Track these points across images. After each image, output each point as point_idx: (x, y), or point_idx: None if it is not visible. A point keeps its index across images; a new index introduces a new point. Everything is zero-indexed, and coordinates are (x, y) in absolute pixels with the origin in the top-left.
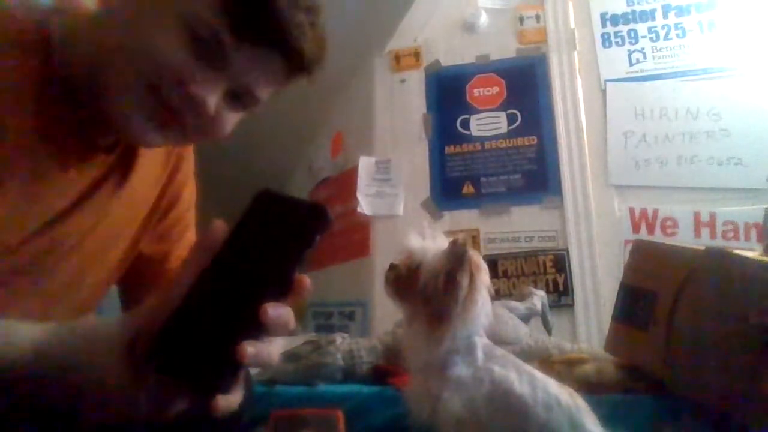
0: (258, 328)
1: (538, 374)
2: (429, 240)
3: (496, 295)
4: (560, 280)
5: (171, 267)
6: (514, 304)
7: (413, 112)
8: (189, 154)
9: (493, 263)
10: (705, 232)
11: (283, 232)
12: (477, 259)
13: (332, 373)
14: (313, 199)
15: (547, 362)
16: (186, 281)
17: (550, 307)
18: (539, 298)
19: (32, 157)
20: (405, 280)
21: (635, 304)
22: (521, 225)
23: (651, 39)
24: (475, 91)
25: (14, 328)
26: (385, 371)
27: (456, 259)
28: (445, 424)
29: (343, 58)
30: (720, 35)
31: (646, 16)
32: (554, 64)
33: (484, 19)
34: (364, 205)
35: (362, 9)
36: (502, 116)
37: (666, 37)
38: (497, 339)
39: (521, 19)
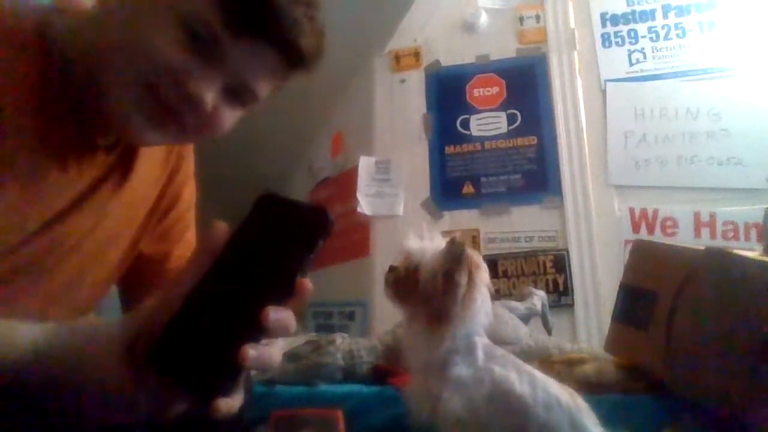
0: (259, 331)
1: (539, 374)
2: (427, 241)
3: (496, 295)
4: (560, 280)
5: (171, 267)
6: (514, 304)
7: (413, 112)
8: (189, 153)
9: (493, 263)
10: (705, 232)
11: (285, 236)
12: (475, 257)
13: (332, 373)
14: (315, 203)
15: (547, 362)
16: (187, 283)
17: (550, 307)
18: (539, 298)
19: (32, 157)
20: (404, 282)
21: (635, 304)
22: (521, 225)
23: (651, 39)
24: (475, 91)
25: (14, 328)
26: (385, 371)
27: (454, 258)
28: (445, 424)
29: (343, 58)
30: (720, 35)
31: (646, 16)
32: (554, 64)
33: (484, 19)
34: (364, 205)
35: (362, 9)
36: (502, 116)
37: (666, 37)
38: (497, 339)
39: (521, 19)
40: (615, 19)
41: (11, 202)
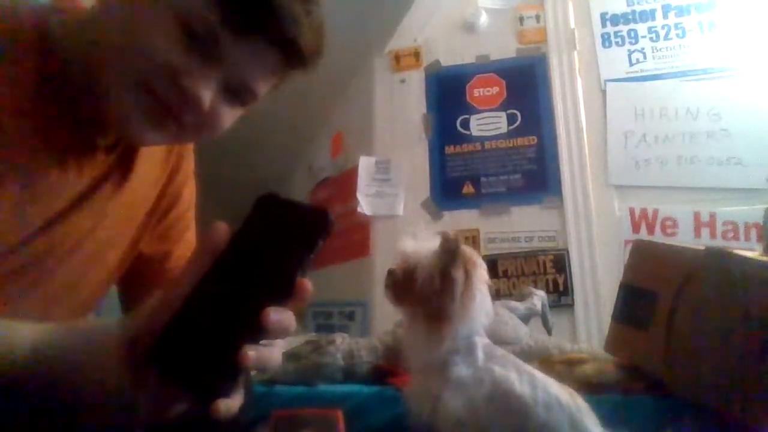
0: (259, 332)
1: (539, 374)
2: (423, 242)
3: (496, 295)
4: (560, 280)
5: (171, 267)
6: (514, 304)
7: (413, 112)
8: (189, 153)
9: (493, 263)
10: (705, 232)
11: (285, 236)
12: (471, 254)
13: (332, 373)
14: (315, 204)
15: (547, 362)
16: (187, 283)
17: (550, 307)
18: (539, 298)
19: (31, 157)
20: (402, 284)
21: (635, 304)
22: (521, 225)
23: (651, 39)
24: (475, 91)
25: (14, 329)
26: (385, 371)
27: (448, 256)
28: (445, 424)
29: (343, 58)
30: (720, 35)
31: (646, 16)
32: (554, 64)
33: (484, 19)
34: (364, 205)
35: (362, 9)
36: (502, 116)
37: (666, 37)
38: (497, 339)
39: (521, 19)
40: (615, 19)
41: (11, 202)
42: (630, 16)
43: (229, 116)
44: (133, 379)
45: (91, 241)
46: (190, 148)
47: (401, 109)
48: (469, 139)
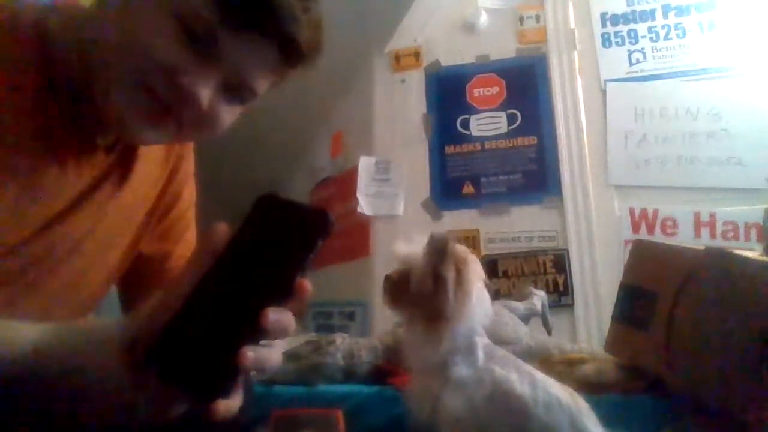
0: (259, 332)
1: (539, 374)
2: (417, 245)
3: (496, 295)
4: (560, 280)
5: (171, 267)
6: (514, 304)
7: (413, 112)
8: (189, 153)
9: (493, 263)
10: (705, 232)
11: (285, 237)
12: (462, 252)
13: (332, 373)
14: (315, 204)
15: (547, 362)
16: (187, 284)
17: (550, 307)
18: (539, 298)
19: (31, 158)
20: (398, 288)
21: (635, 304)
22: (521, 225)
23: (651, 39)
24: (475, 91)
25: (14, 329)
26: (385, 371)
27: (437, 255)
28: (446, 425)
29: (343, 57)
30: (720, 35)
31: (646, 16)
32: (554, 64)
33: (484, 19)
34: (364, 205)
35: (362, 9)
36: (502, 116)
37: (666, 37)
38: (497, 339)
39: (521, 19)
40: (615, 19)
41: (10, 202)
42: (630, 16)
43: (229, 115)
44: (133, 379)
45: (91, 241)
46: (190, 148)
47: (401, 109)
48: (469, 139)
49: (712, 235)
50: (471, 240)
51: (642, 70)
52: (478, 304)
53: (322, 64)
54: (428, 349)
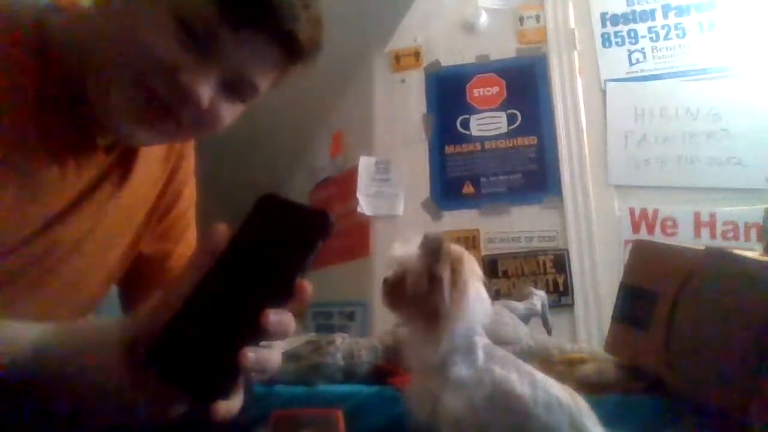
0: (259, 333)
1: (539, 374)
2: (413, 246)
3: (496, 295)
4: (560, 280)
5: (171, 267)
6: (514, 304)
7: (413, 112)
8: (189, 153)
9: (493, 263)
10: (705, 232)
11: (285, 238)
12: (457, 251)
13: (332, 373)
14: (316, 205)
15: (547, 362)
16: (187, 284)
17: (550, 307)
18: (539, 298)
19: (30, 158)
20: (396, 290)
21: (635, 304)
22: (521, 225)
23: (651, 39)
24: (475, 91)
25: (14, 329)
26: (385, 371)
27: (431, 255)
28: (445, 425)
29: (343, 57)
30: (720, 35)
31: (646, 16)
32: (554, 64)
33: (484, 19)
34: (364, 205)
35: (362, 9)
36: (502, 116)
37: (666, 37)
38: (497, 339)
39: (521, 19)
40: (615, 19)
41: (10, 202)
42: (630, 16)
43: (230, 113)
44: (133, 379)
45: (91, 241)
46: (190, 147)
47: (401, 109)
48: (469, 139)
49: (712, 235)
50: (471, 240)
51: (642, 70)
52: (476, 303)
53: (322, 64)
54: (427, 349)
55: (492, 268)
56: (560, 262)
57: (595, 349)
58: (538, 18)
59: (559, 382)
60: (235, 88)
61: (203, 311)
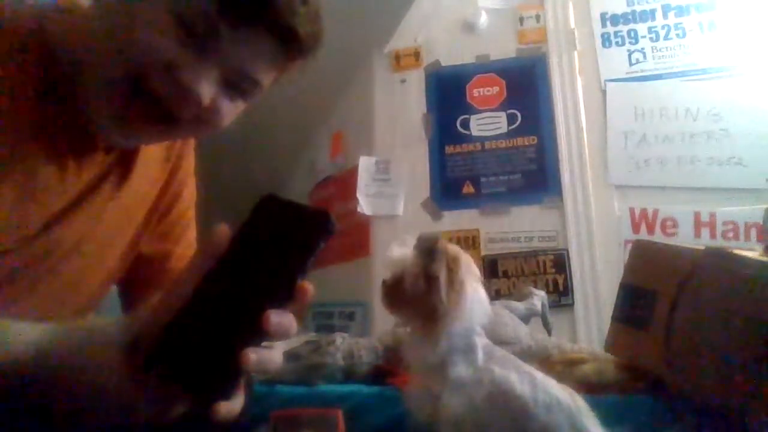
0: (260, 334)
1: (539, 375)
2: (410, 247)
3: (496, 295)
4: (560, 280)
5: (171, 266)
6: (514, 304)
7: (413, 112)
8: (189, 152)
9: (493, 263)
10: (705, 232)
11: (286, 238)
12: (453, 251)
13: (332, 373)
14: (317, 205)
15: (547, 362)
16: (188, 285)
17: (550, 307)
18: (539, 298)
19: (30, 158)
20: (395, 291)
21: (635, 304)
22: (521, 225)
23: (651, 39)
24: (475, 91)
25: (14, 329)
26: (385, 371)
27: (427, 253)
28: (445, 425)
29: (343, 57)
30: (720, 35)
31: (646, 16)
32: (554, 64)
33: (484, 19)
34: (364, 205)
35: (362, 9)
36: (502, 116)
37: (666, 37)
38: (497, 339)
39: (521, 19)
40: (615, 19)
41: (9, 203)
42: (630, 16)
43: (231, 111)
44: (133, 380)
45: (91, 242)
46: (190, 147)
47: (401, 109)
48: (469, 139)
49: (712, 235)
50: (471, 240)
51: (642, 70)
52: (474, 302)
53: (322, 63)
54: (426, 349)
55: (492, 268)
56: (560, 262)
57: (595, 349)
58: (538, 18)
59: (559, 382)
60: (236, 85)
61: (204, 312)
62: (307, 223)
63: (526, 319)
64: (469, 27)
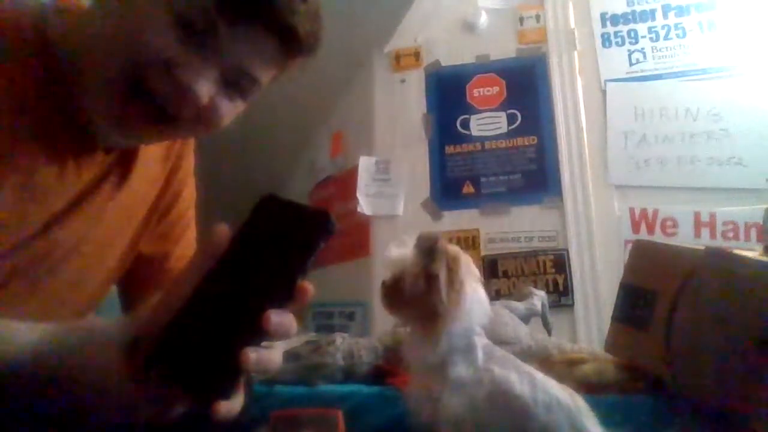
0: (260, 334)
1: (538, 375)
2: (409, 248)
3: (496, 295)
4: (560, 280)
5: (171, 267)
6: (514, 304)
7: (413, 112)
8: (189, 152)
9: (493, 263)
10: (705, 232)
11: (286, 238)
12: (453, 251)
13: (332, 373)
14: (317, 205)
15: (547, 362)
16: (188, 285)
17: (550, 307)
18: (539, 298)
19: (30, 158)
20: (394, 292)
21: (635, 304)
22: (521, 225)
23: (651, 39)
24: (475, 91)
25: (14, 329)
26: (385, 371)
27: (426, 254)
28: (445, 425)
29: (344, 57)
30: (720, 35)
31: (646, 16)
32: (554, 64)
33: (484, 19)
34: (364, 205)
35: (362, 9)
36: (502, 116)
37: (666, 37)
38: (497, 339)
39: (521, 19)
40: (615, 19)
41: (9, 203)
42: (630, 16)
43: (230, 111)
44: (133, 380)
45: (91, 242)
46: (190, 147)
47: (401, 109)
48: (469, 139)
49: (712, 235)
50: (471, 240)
51: (642, 70)
52: (474, 302)
53: (322, 63)
54: (426, 349)
55: (492, 268)
56: (560, 262)
57: (595, 349)
58: (538, 18)
59: (559, 382)
60: (235, 84)
61: (204, 311)
62: (307, 223)
63: (526, 319)
64: (469, 27)
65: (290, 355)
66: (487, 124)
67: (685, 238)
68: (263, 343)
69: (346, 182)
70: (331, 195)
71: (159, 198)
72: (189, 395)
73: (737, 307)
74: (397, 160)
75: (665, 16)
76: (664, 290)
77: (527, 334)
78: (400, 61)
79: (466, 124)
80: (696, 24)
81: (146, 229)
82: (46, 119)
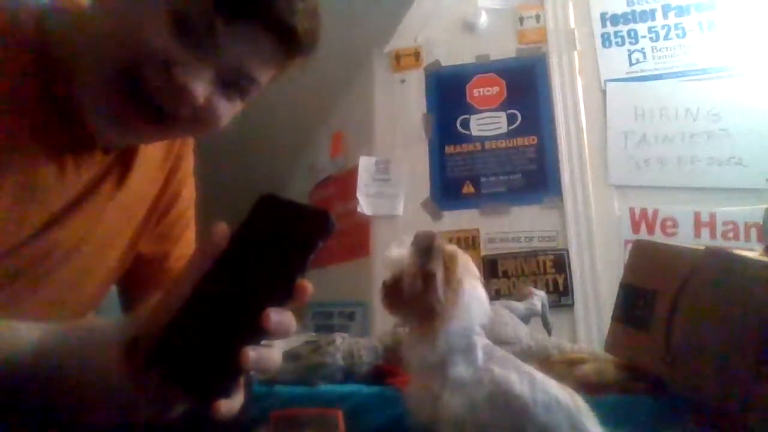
0: (259, 333)
1: (538, 375)
2: (407, 247)
3: (496, 295)
4: (560, 280)
5: (171, 267)
6: (514, 304)
7: (413, 112)
8: (188, 152)
9: (493, 263)
10: (705, 232)
11: (285, 237)
12: (450, 249)
13: (332, 373)
14: (316, 205)
15: (547, 362)
16: (187, 284)
17: (550, 307)
18: (539, 298)
19: (29, 158)
20: (394, 292)
21: (635, 304)
22: (521, 225)
23: (651, 39)
24: (475, 91)
25: (14, 329)
26: (385, 371)
27: (424, 254)
28: (445, 425)
29: (344, 57)
30: (720, 35)
31: (646, 16)
32: (554, 64)
33: (484, 19)
34: (364, 205)
35: (362, 9)
36: (502, 116)
37: (666, 37)
38: (497, 339)
39: (521, 19)
40: (615, 19)
41: (9, 203)
42: (630, 16)
43: (228, 111)
44: (133, 379)
45: (90, 242)
46: (189, 147)
47: (401, 109)
48: (469, 139)
49: (712, 235)
50: (471, 240)
51: (642, 70)
52: (473, 301)
53: (322, 63)
54: (426, 349)
55: (492, 268)
56: (560, 262)
57: (595, 349)
58: (538, 18)
59: (559, 382)
60: (233, 83)
61: (203, 311)
62: (307, 222)
63: (526, 319)
64: (469, 27)
65: (290, 355)
66: (487, 124)
67: (685, 238)
68: (263, 342)
69: (346, 182)
70: (331, 195)
71: (158, 198)
72: (189, 395)
73: (737, 306)
74: (397, 160)
75: (665, 16)
76: (664, 290)
77: (527, 334)
78: (400, 61)
79: (466, 124)
80: (696, 24)
81: (146, 229)
82: (45, 119)
